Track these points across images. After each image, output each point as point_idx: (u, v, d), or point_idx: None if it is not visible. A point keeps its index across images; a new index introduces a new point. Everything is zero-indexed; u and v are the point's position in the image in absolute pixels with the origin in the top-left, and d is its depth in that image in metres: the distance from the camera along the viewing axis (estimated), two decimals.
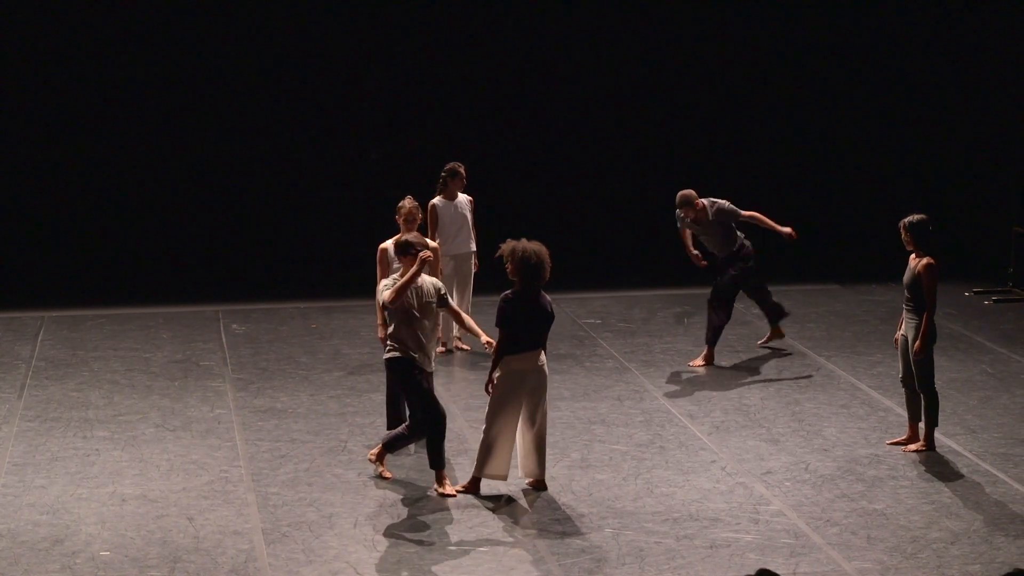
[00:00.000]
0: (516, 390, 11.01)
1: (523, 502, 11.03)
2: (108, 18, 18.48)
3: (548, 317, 11.05)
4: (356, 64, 18.93)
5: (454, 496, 11.13)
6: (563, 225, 18.81)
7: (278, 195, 18.70)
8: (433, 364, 11.29)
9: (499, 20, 19.12)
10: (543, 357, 11.08)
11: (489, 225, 18.25)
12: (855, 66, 19.51)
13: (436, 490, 11.21)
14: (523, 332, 10.96)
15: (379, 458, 11.47)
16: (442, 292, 11.27)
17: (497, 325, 10.96)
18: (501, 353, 10.96)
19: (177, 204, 18.61)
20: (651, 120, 19.39)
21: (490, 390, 11.05)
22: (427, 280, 11.25)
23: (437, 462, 11.23)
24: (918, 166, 19.52)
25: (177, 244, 18.38)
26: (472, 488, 11.16)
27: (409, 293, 11.07)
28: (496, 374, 10.99)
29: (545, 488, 11.20)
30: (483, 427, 11.11)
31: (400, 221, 12.70)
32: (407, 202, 12.73)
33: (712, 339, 14.59)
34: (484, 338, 11.30)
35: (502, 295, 10.99)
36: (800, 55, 19.44)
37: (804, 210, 19.33)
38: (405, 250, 11.25)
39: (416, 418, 11.32)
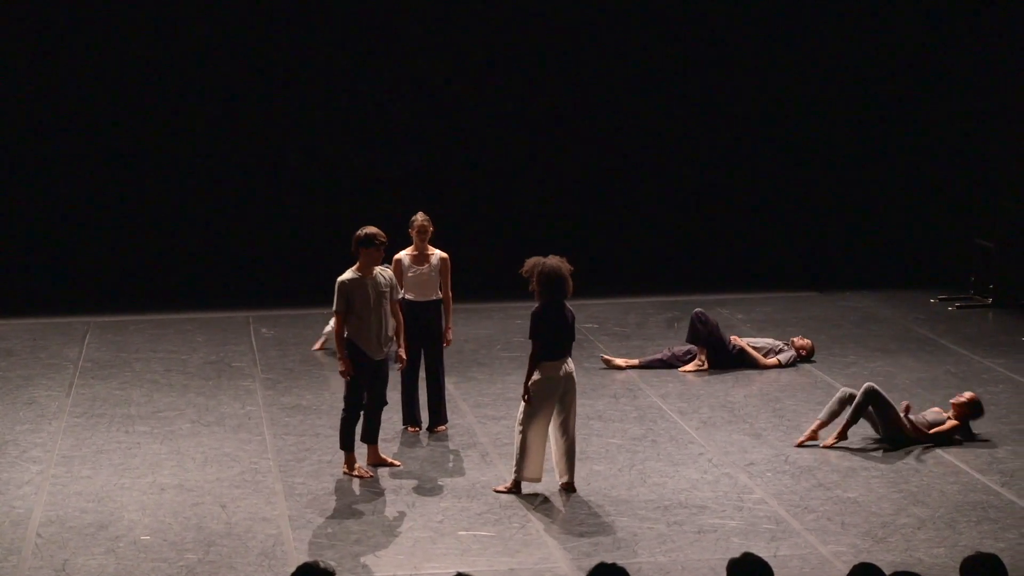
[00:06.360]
0: (549, 397, 10.80)
1: (526, 492, 10.95)
2: (145, 28, 18.07)
3: (571, 327, 10.89)
4: (387, 75, 18.44)
5: (368, 476, 11.21)
6: (564, 236, 18.57)
7: (304, 211, 18.48)
8: (383, 353, 11.31)
9: (503, 17, 18.56)
10: (571, 364, 10.89)
11: (493, 234, 18.05)
12: (833, 79, 18.92)
13: (344, 470, 11.30)
14: (551, 342, 10.79)
15: (347, 461, 11.36)
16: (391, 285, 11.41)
17: (530, 337, 10.84)
18: (534, 363, 10.79)
19: (212, 219, 18.41)
20: (645, 131, 18.86)
21: (526, 398, 10.83)
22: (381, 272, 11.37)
23: (345, 444, 11.32)
24: (889, 184, 19.12)
25: (211, 255, 18.26)
26: (514, 488, 10.89)
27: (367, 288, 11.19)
28: (530, 382, 10.81)
29: (575, 490, 10.92)
30: (519, 429, 10.87)
31: (413, 234, 12.60)
32: (419, 216, 12.65)
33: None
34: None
35: (532, 310, 10.89)
36: (779, 67, 18.85)
37: (785, 223, 19.12)
38: (369, 242, 11.26)
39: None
